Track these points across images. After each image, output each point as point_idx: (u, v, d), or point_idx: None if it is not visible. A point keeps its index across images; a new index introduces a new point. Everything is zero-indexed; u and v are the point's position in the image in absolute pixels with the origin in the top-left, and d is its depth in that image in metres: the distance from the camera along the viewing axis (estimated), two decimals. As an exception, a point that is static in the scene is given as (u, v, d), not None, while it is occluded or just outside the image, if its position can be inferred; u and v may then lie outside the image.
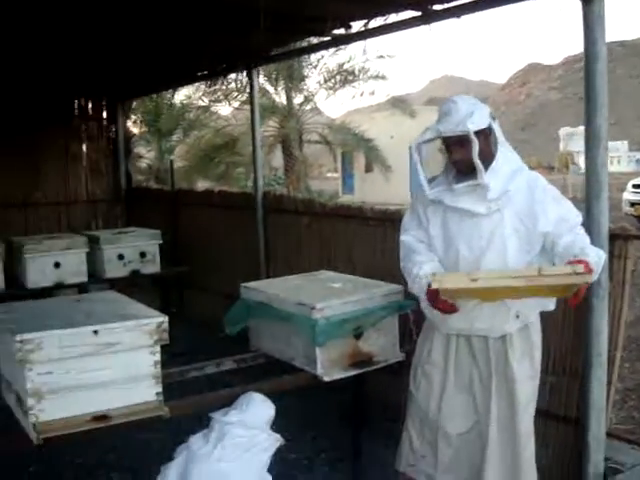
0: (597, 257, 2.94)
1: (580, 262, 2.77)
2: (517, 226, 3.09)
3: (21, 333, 2.64)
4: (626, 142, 64.79)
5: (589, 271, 2.76)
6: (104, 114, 9.34)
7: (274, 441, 3.12)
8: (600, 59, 3.33)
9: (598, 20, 3.30)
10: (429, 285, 2.96)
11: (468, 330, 3.20)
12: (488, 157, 3.09)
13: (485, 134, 3.07)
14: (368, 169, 30.02)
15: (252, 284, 4.05)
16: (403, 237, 3.40)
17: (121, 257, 6.49)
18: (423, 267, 3.16)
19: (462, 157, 3.08)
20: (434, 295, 3.00)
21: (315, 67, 20.36)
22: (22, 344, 2.62)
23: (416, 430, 3.44)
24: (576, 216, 3.12)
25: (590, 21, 3.31)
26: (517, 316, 3.14)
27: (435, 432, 3.34)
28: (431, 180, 3.31)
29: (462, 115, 3.05)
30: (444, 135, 3.08)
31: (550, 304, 3.25)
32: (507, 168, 3.13)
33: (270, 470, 3.11)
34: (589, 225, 3.34)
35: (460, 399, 3.29)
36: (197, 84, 13.61)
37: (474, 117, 3.03)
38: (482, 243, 3.10)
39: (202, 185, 18.23)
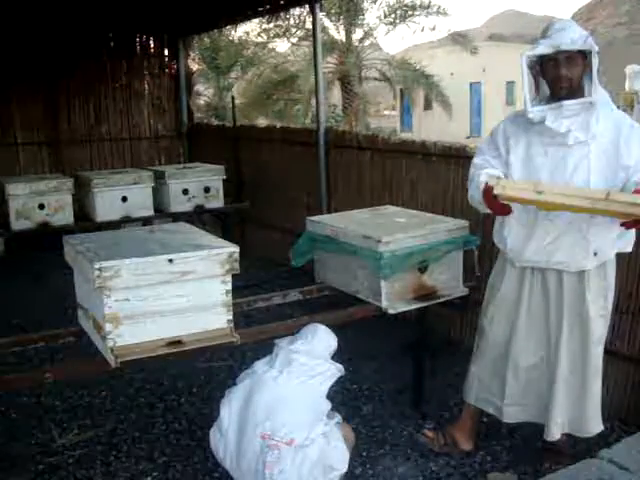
0: None
1: None
2: (602, 160, 3.03)
3: (100, 261, 2.73)
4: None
5: None
6: (165, 51, 9.38)
7: (336, 371, 3.20)
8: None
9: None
10: (487, 186, 2.97)
11: (545, 263, 3.17)
12: (586, 84, 3.05)
13: (591, 60, 3.03)
14: (427, 107, 29.64)
15: (318, 217, 4.10)
16: (476, 159, 3.35)
17: (186, 192, 6.62)
18: (485, 172, 3.15)
19: (572, 74, 3.03)
20: (490, 196, 2.96)
21: (375, 1, 19.99)
22: (100, 271, 2.71)
23: (485, 362, 3.48)
24: None
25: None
26: (595, 253, 3.09)
27: (505, 365, 3.38)
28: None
29: (581, 32, 3.03)
30: (562, 48, 2.98)
31: (628, 246, 3.20)
32: (603, 99, 3.09)
33: (331, 399, 3.20)
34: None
35: (531, 333, 3.31)
36: (256, 20, 13.52)
37: (590, 38, 3.02)
38: (566, 175, 3.05)
39: (261, 122, 18.25)
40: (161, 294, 2.87)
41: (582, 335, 3.21)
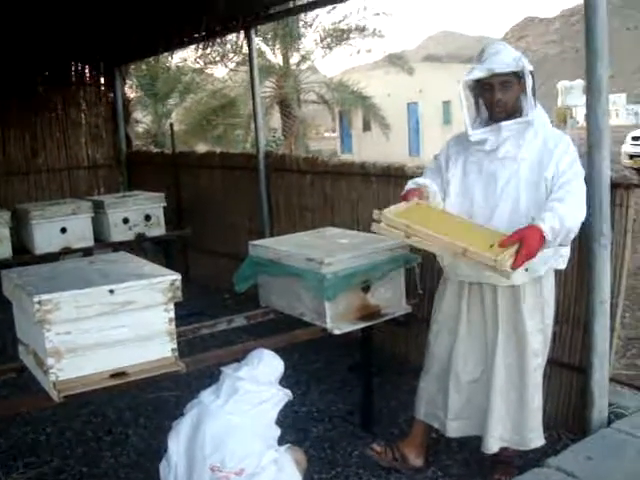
0: (559, 223, 2.92)
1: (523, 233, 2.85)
2: (530, 177, 3.13)
3: (39, 294, 2.68)
4: (624, 95, 64.36)
5: (528, 240, 2.82)
6: (102, 79, 9.31)
7: (283, 396, 3.19)
8: (600, 7, 3.33)
9: (597, -32, 3.30)
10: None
11: (477, 277, 3.24)
12: (522, 103, 3.16)
13: (524, 81, 3.13)
14: (366, 128, 29.94)
15: (260, 241, 4.10)
16: (417, 178, 3.47)
17: (126, 221, 6.53)
18: (412, 181, 3.32)
19: (506, 97, 3.13)
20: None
21: (311, 26, 20.21)
22: (40, 305, 2.66)
23: (432, 377, 3.54)
24: (574, 173, 3.10)
25: (589, -29, 3.31)
26: (526, 269, 3.13)
27: (448, 379, 3.43)
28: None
29: (514, 54, 3.14)
30: (496, 72, 3.09)
31: (562, 264, 3.29)
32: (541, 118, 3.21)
33: (280, 424, 3.18)
34: (591, 174, 3.38)
35: (472, 346, 3.37)
36: (192, 46, 13.49)
37: (523, 59, 3.12)
38: (497, 191, 3.16)
39: (200, 148, 18.18)
40: (103, 325, 2.83)
41: (518, 349, 3.27)
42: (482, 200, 3.20)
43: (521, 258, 2.80)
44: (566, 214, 2.97)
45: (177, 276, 2.98)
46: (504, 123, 3.11)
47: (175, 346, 3.00)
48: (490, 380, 3.31)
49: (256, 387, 3.10)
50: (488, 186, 3.19)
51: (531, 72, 3.13)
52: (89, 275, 3.01)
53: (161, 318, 2.96)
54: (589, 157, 3.44)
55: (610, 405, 3.70)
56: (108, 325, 2.84)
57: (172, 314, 2.98)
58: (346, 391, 4.52)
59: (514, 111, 3.16)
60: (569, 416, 3.95)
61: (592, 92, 3.40)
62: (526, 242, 2.83)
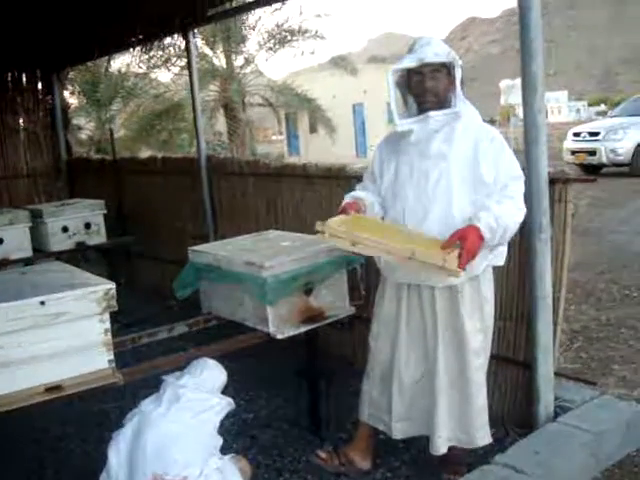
0: (495, 222, 2.94)
1: (462, 233, 2.88)
2: (464, 174, 3.11)
3: (-34, 308, 2.59)
4: (566, 92, 65.81)
5: (468, 240, 2.85)
6: (39, 85, 9.11)
7: (226, 405, 3.14)
8: (533, 6, 3.33)
9: (530, -34, 3.31)
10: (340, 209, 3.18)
11: (415, 279, 3.23)
12: (451, 96, 3.15)
13: (455, 73, 3.13)
14: (312, 130, 29.99)
15: (200, 247, 4.04)
16: (357, 186, 3.54)
17: (65, 229, 6.40)
18: (349, 195, 3.34)
19: (437, 86, 3.13)
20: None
21: (253, 28, 20.16)
22: (-32, 319, 2.58)
23: (375, 379, 3.51)
24: (511, 178, 3.12)
25: (522, -32, 3.33)
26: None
27: (390, 381, 3.40)
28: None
29: (444, 46, 3.16)
30: (427, 61, 3.09)
31: (500, 260, 3.29)
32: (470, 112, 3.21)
33: (227, 431, 3.13)
34: (529, 170, 3.39)
35: (412, 348, 3.35)
36: (134, 51, 13.30)
37: (453, 52, 3.15)
38: (428, 190, 3.14)
39: (145, 154, 17.98)
40: (36, 339, 2.76)
41: (459, 349, 3.25)
42: (414, 200, 3.17)
43: (464, 258, 2.82)
44: (502, 213, 2.99)
45: (111, 285, 2.90)
46: (432, 113, 3.09)
47: (112, 357, 2.93)
48: (433, 381, 3.29)
49: (198, 395, 3.04)
50: (419, 186, 3.17)
51: (460, 66, 3.14)
52: (19, 286, 2.94)
53: (96, 329, 2.89)
54: (527, 153, 3.45)
55: (556, 399, 3.72)
56: (41, 338, 2.77)
57: (108, 324, 2.91)
58: (293, 395, 4.47)
59: (443, 103, 3.14)
60: (516, 412, 3.96)
61: (527, 89, 3.41)
62: (466, 241, 2.85)
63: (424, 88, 3.14)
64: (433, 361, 3.28)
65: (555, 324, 3.73)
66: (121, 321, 5.19)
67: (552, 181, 3.58)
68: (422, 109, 3.16)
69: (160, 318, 5.62)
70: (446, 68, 3.12)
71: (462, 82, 3.13)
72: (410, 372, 3.36)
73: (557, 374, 3.84)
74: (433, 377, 3.29)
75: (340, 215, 3.14)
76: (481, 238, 2.90)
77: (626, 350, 5.36)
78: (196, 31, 7.20)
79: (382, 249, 2.91)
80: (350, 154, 29.57)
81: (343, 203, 3.27)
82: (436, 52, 3.11)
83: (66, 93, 11.48)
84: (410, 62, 3.13)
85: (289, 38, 20.33)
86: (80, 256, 6.83)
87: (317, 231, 2.97)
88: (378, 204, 3.32)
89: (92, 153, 17.09)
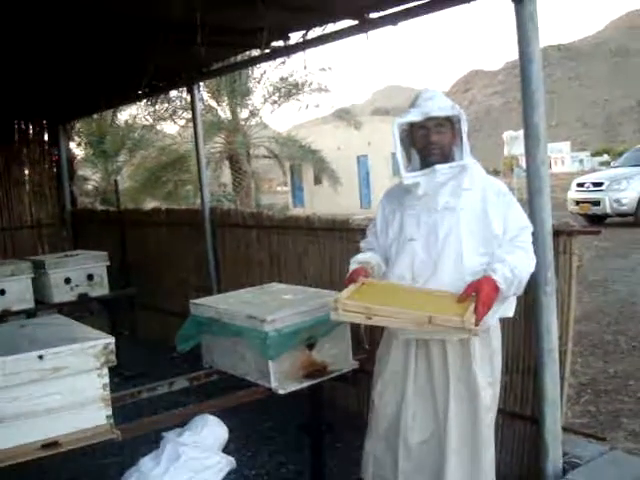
0: (510, 272, 2.94)
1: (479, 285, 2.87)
2: (472, 227, 3.10)
3: (-37, 362, 2.56)
4: (568, 143, 66.39)
5: (484, 291, 2.85)
6: (45, 137, 9.22)
7: (226, 464, 3.08)
8: (535, 58, 3.37)
9: (530, 20, 3.34)
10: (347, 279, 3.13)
11: (421, 334, 3.17)
12: (455, 149, 3.16)
13: (460, 127, 3.14)
14: (317, 181, 30.18)
15: (201, 300, 4.00)
16: (361, 243, 3.52)
17: (68, 281, 6.37)
18: (354, 260, 3.29)
19: (442, 140, 3.13)
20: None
21: (259, 82, 20.39)
22: (-36, 373, 2.54)
23: (379, 438, 3.41)
24: (520, 228, 3.13)
25: (523, 21, 3.36)
26: None
27: (396, 440, 3.31)
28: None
29: (448, 100, 3.17)
30: (431, 115, 3.09)
31: (509, 311, 3.25)
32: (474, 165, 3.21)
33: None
34: (533, 222, 3.37)
35: (420, 407, 3.27)
36: (141, 103, 13.49)
37: (457, 106, 3.16)
38: (438, 245, 3.11)
39: (150, 205, 18.07)
40: (33, 393, 2.70)
41: (471, 405, 3.17)
42: (424, 254, 3.14)
43: (481, 311, 2.80)
44: (516, 264, 2.98)
45: (111, 339, 2.86)
46: (438, 166, 3.08)
47: (110, 413, 2.88)
48: (443, 440, 3.20)
49: (198, 454, 2.99)
50: (429, 239, 3.14)
51: (465, 119, 3.14)
52: (17, 340, 2.90)
53: (95, 384, 2.84)
54: (530, 205, 3.45)
55: (564, 455, 3.65)
56: (38, 393, 2.72)
57: (106, 379, 2.86)
58: (296, 451, 4.39)
59: (448, 156, 3.14)
60: (523, 467, 3.89)
61: (530, 141, 3.42)
62: (482, 293, 2.84)
63: (429, 142, 3.14)
64: (444, 419, 3.20)
65: (562, 378, 3.67)
66: (122, 373, 5.15)
67: (556, 233, 3.57)
68: (426, 162, 3.15)
69: (162, 371, 5.58)
70: (450, 122, 3.13)
71: (467, 135, 3.13)
72: (417, 432, 3.26)
73: (565, 429, 3.77)
74: (444, 435, 3.20)
75: (350, 285, 3.09)
76: (497, 289, 2.89)
77: (635, 403, 5.29)
78: (201, 84, 7.29)
79: (399, 318, 2.87)
80: (355, 205, 29.72)
81: (350, 270, 3.23)
82: (440, 106, 3.11)
83: (72, 144, 11.60)
84: (415, 116, 3.14)
85: (294, 91, 20.55)
86: (82, 308, 6.79)
87: (331, 309, 2.94)
88: (383, 263, 3.30)
89: (97, 204, 17.20)
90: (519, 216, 3.15)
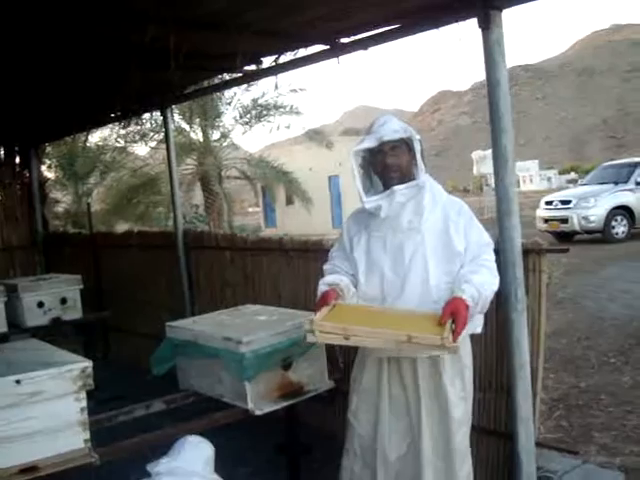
0: (477, 291, 3.01)
1: (452, 307, 2.91)
2: (437, 247, 3.18)
3: (-61, 388, 2.56)
4: (537, 161, 67.09)
5: (460, 313, 2.89)
6: (17, 159, 9.17)
7: None
8: (502, 83, 3.46)
9: (497, 45, 3.44)
10: (317, 303, 3.12)
11: (396, 352, 3.23)
12: (413, 170, 3.22)
13: (414, 147, 3.22)
14: (289, 202, 30.18)
15: (177, 322, 4.02)
16: (325, 265, 3.50)
17: (41, 305, 6.33)
18: (323, 282, 3.28)
19: (398, 162, 3.21)
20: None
21: (230, 103, 20.41)
22: (-59, 399, 2.54)
23: (356, 456, 3.45)
24: (482, 246, 3.22)
25: (489, 47, 3.45)
26: None
27: (374, 457, 3.35)
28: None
29: (401, 124, 3.26)
30: (385, 139, 3.17)
31: (478, 328, 3.31)
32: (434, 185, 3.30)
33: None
34: (502, 242, 3.45)
35: (396, 422, 3.31)
36: (112, 125, 13.44)
37: (410, 128, 3.24)
38: (404, 265, 3.18)
39: (122, 227, 17.97)
40: (10, 418, 2.70)
41: (443, 419, 3.23)
42: (391, 274, 3.21)
43: (458, 331, 2.86)
44: (482, 283, 3.06)
45: (88, 363, 2.88)
46: (397, 187, 3.15)
47: (88, 437, 2.89)
48: (418, 453, 3.26)
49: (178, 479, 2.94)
50: (396, 259, 3.21)
51: (419, 140, 3.23)
52: (-6, 365, 2.88)
53: (72, 408, 2.85)
54: (500, 225, 3.53)
55: (538, 469, 3.71)
56: (15, 417, 2.72)
57: (84, 403, 2.88)
58: (274, 472, 4.39)
59: (407, 177, 3.21)
60: (498, 483, 3.92)
61: (498, 163, 3.50)
62: (458, 315, 2.89)
63: (386, 165, 3.22)
64: (417, 433, 3.25)
65: (534, 394, 3.73)
66: (98, 397, 5.11)
67: (526, 252, 3.64)
68: (387, 185, 3.24)
69: (138, 393, 5.55)
70: (405, 144, 3.22)
71: (422, 155, 3.22)
72: (394, 447, 3.31)
73: (538, 444, 3.83)
74: (418, 449, 3.25)
75: (322, 308, 3.11)
76: (467, 308, 2.95)
77: (606, 417, 5.37)
78: (174, 107, 7.32)
79: (378, 337, 2.90)
80: (327, 225, 29.77)
81: (320, 293, 3.24)
82: (394, 129, 3.21)
83: (43, 167, 11.54)
84: (370, 142, 3.23)
85: (265, 113, 20.61)
86: (56, 331, 6.74)
87: (307, 331, 2.94)
88: (352, 284, 3.34)
89: (69, 227, 17.08)
90: (480, 234, 3.25)
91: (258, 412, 3.45)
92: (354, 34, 4.41)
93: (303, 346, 3.60)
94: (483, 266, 3.15)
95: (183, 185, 19.67)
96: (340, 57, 4.63)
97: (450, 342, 2.80)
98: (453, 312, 2.90)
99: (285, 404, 3.60)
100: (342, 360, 3.82)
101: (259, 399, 3.47)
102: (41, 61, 4.84)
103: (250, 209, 45.53)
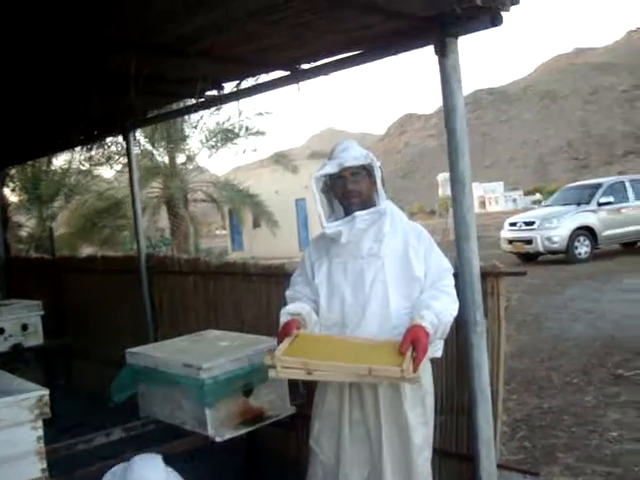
0: (436, 318, 3.03)
1: (412, 335, 2.92)
2: (396, 271, 3.20)
3: None
4: (502, 183, 67.93)
5: (420, 341, 2.89)
6: (-22, 184, 9.09)
7: None
8: (458, 108, 3.52)
9: (453, 72, 3.51)
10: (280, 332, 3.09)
11: (357, 380, 3.24)
12: (374, 196, 3.25)
13: (375, 174, 3.25)
14: (256, 224, 30.14)
15: (137, 349, 3.99)
16: (287, 291, 3.49)
17: (1, 331, 6.24)
18: (285, 311, 3.26)
19: (359, 188, 3.23)
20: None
21: (195, 127, 20.41)
22: None
23: None
24: (442, 272, 3.24)
25: (446, 73, 3.52)
26: None
27: None
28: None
29: (362, 150, 3.28)
30: (346, 165, 3.20)
31: (437, 351, 3.32)
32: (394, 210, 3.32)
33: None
34: (461, 265, 3.49)
35: (357, 448, 3.29)
36: (77, 148, 13.31)
37: (371, 155, 3.26)
38: (365, 291, 3.20)
39: (87, 251, 17.80)
40: (-36, 448, 2.66)
41: (404, 445, 3.23)
42: (352, 299, 3.22)
43: (419, 360, 2.87)
44: (442, 309, 3.08)
45: (45, 392, 2.85)
46: (358, 213, 3.18)
47: (45, 466, 2.85)
48: (380, 478, 3.26)
49: None
50: (356, 285, 3.22)
51: (380, 167, 3.27)
52: (-52, 395, 2.84)
53: (29, 437, 2.81)
54: (458, 248, 3.57)
55: (501, 492, 3.71)
56: (-30, 447, 2.67)
57: (41, 432, 2.84)
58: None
59: (367, 203, 3.24)
60: (461, 506, 3.93)
61: (456, 188, 3.56)
62: (418, 343, 2.90)
63: (347, 190, 3.24)
64: (379, 459, 3.24)
65: (495, 416, 3.76)
66: (59, 425, 5.04)
67: (484, 275, 3.69)
68: (348, 211, 3.26)
69: (99, 421, 5.48)
70: (366, 170, 3.25)
71: (383, 182, 3.25)
72: (357, 473, 3.28)
73: (500, 466, 3.84)
74: (380, 475, 3.23)
75: (284, 339, 3.09)
76: (427, 335, 2.96)
77: (569, 437, 5.40)
78: (139, 130, 7.31)
79: (338, 372, 2.91)
80: (294, 248, 29.75)
81: (282, 323, 3.20)
82: (354, 156, 3.23)
83: (6, 190, 11.43)
84: (331, 168, 3.25)
85: (231, 136, 20.64)
86: (17, 358, 6.64)
87: (268, 366, 2.93)
88: (314, 311, 3.33)
89: (32, 251, 16.86)
90: (440, 259, 3.27)
91: (219, 439, 3.43)
92: (314, 60, 4.45)
93: (264, 372, 3.59)
94: (443, 292, 3.18)
95: (149, 208, 19.58)
96: (301, 82, 4.66)
97: (410, 373, 2.80)
98: (413, 340, 2.91)
99: (246, 430, 3.59)
100: (304, 385, 3.81)
101: (220, 425, 3.45)
102: (2, 86, 4.81)
103: (217, 232, 45.44)
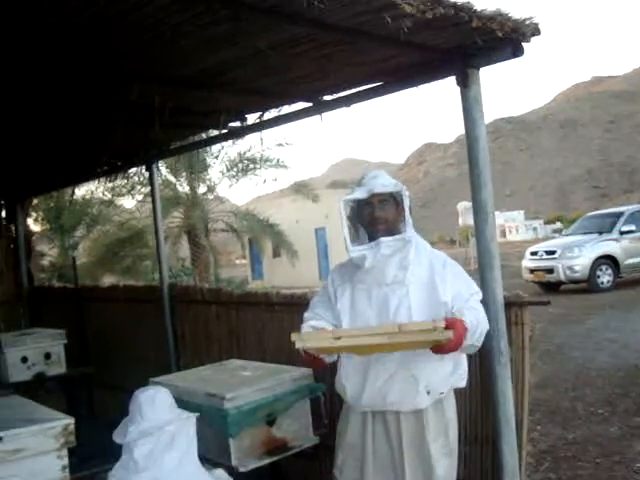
0: (475, 319, 3.07)
1: (451, 321, 2.90)
2: (422, 299, 3.20)
3: None
4: (522, 212, 67.66)
5: (458, 328, 2.88)
6: (3, 214, 9.17)
7: (186, 420, 2.95)
8: (480, 138, 3.55)
9: (475, 103, 3.54)
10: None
11: (381, 406, 3.22)
12: (400, 225, 3.27)
13: (403, 202, 3.27)
14: (276, 254, 30.20)
15: (160, 378, 4.00)
16: (306, 313, 3.47)
17: (25, 360, 6.29)
18: (307, 324, 3.28)
19: (386, 215, 3.26)
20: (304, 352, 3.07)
21: (216, 157, 20.58)
22: None
23: None
24: (471, 294, 3.27)
25: (468, 104, 3.55)
26: (427, 392, 3.17)
27: None
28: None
29: (391, 179, 3.33)
30: (376, 191, 3.23)
31: (461, 381, 3.33)
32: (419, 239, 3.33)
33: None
34: (485, 295, 3.48)
35: (381, 477, 3.29)
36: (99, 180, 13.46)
37: (400, 184, 3.30)
38: (389, 317, 3.19)
39: (108, 280, 17.90)
40: (-8, 477, 2.68)
41: (427, 476, 3.21)
42: (377, 325, 3.22)
43: (455, 341, 2.86)
44: (480, 319, 3.13)
45: (70, 420, 2.87)
46: (383, 239, 3.19)
47: (70, 495, 2.85)
48: None
49: (151, 437, 2.85)
50: (381, 313, 3.22)
51: (408, 195, 3.29)
52: (-24, 424, 2.86)
53: (54, 466, 2.83)
54: (481, 278, 3.56)
55: (526, 524, 3.67)
56: (-2, 476, 2.69)
57: (66, 460, 2.86)
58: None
59: (393, 230, 3.25)
60: (485, 540, 3.88)
61: (479, 217, 3.56)
62: (455, 328, 2.88)
63: (374, 217, 3.27)
64: None
65: (520, 447, 3.72)
66: (81, 454, 5.04)
67: (508, 305, 3.68)
68: (373, 237, 3.27)
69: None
70: (394, 198, 3.27)
71: (410, 210, 3.27)
72: None
73: (525, 499, 3.81)
74: None
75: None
76: (466, 330, 2.96)
77: (595, 468, 5.35)
78: (160, 161, 7.39)
79: (367, 334, 2.92)
80: (314, 277, 29.75)
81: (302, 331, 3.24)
82: (383, 184, 3.27)
83: (30, 220, 11.55)
84: (360, 194, 3.28)
85: (251, 167, 20.78)
86: (40, 387, 6.68)
87: (294, 342, 2.95)
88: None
89: (54, 280, 17.00)
90: (468, 283, 3.30)
91: (242, 469, 3.43)
92: (336, 92, 4.50)
93: (287, 402, 3.60)
94: (474, 308, 3.20)
95: (170, 238, 19.70)
96: (323, 114, 4.71)
97: (442, 327, 2.79)
98: (450, 324, 2.89)
99: (269, 460, 3.58)
100: (327, 415, 3.80)
101: (243, 456, 3.45)
102: (27, 118, 4.90)
103: (237, 261, 45.55)
